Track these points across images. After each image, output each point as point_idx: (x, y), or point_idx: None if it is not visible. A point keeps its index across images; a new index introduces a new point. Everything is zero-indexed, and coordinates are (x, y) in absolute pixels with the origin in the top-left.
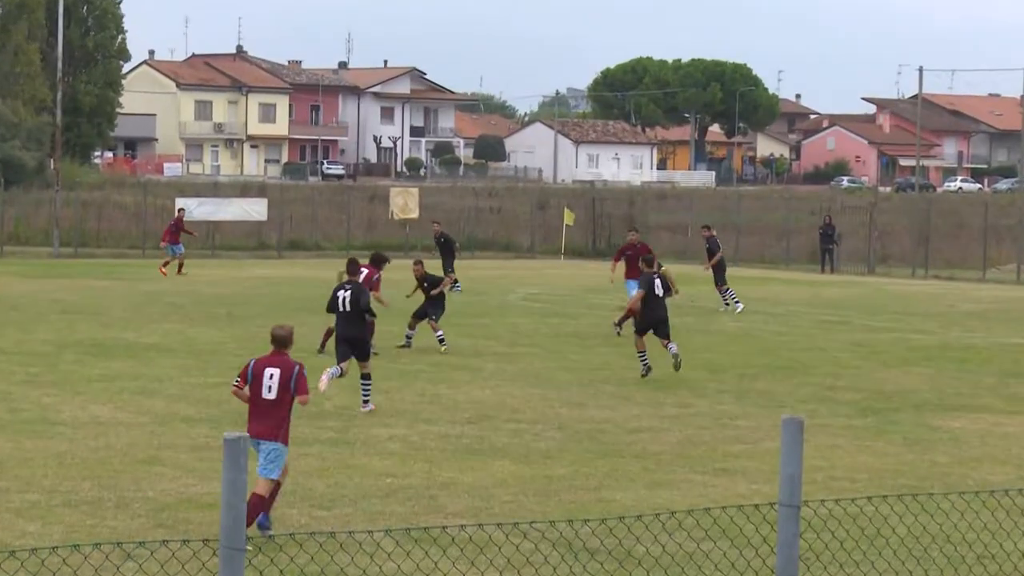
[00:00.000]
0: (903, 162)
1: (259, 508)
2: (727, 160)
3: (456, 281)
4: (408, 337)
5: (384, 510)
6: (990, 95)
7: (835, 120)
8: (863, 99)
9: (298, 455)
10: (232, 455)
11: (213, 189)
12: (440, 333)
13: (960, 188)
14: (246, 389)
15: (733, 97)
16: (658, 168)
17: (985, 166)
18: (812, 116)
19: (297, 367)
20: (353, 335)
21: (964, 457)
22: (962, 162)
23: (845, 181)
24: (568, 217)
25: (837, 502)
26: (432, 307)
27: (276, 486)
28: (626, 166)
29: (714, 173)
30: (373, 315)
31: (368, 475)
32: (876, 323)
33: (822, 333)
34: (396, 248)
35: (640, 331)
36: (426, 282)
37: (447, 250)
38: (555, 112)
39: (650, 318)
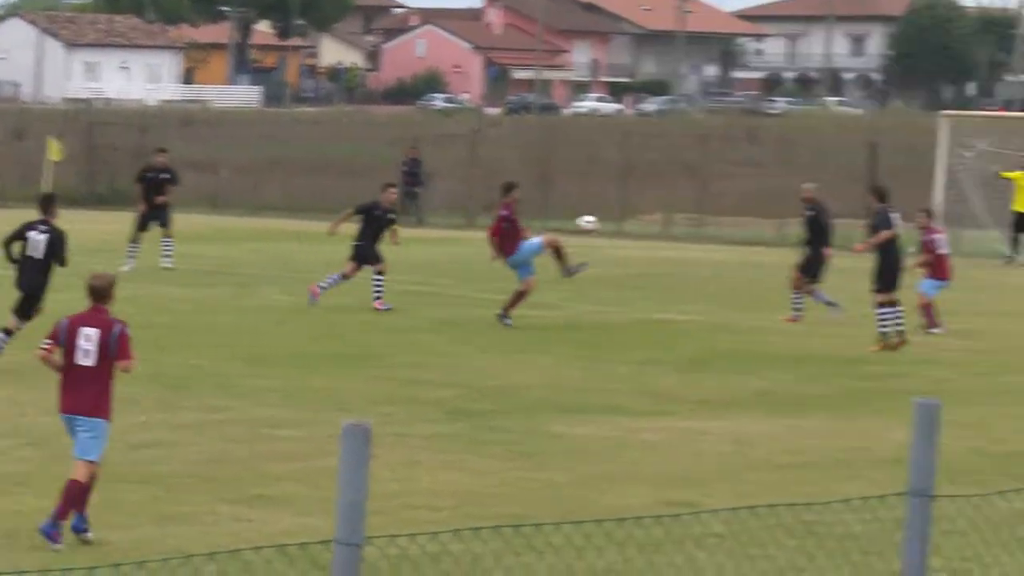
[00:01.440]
0: (518, 74)
1: (78, 497)
2: (279, 71)
3: None
4: None
5: None
6: None
7: (428, 16)
8: None
9: None
10: None
11: None
12: None
13: (597, 110)
14: (57, 354)
15: None
16: (184, 82)
17: (628, 79)
18: (397, 11)
19: (119, 327)
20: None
21: (589, 475)
22: (598, 74)
23: (439, 100)
24: (53, 150)
25: (414, 538)
26: None
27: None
28: (139, 79)
29: (260, 88)
30: None
31: None
32: (472, 293)
33: (404, 305)
34: None
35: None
36: None
37: None
38: (40, 3)
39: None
